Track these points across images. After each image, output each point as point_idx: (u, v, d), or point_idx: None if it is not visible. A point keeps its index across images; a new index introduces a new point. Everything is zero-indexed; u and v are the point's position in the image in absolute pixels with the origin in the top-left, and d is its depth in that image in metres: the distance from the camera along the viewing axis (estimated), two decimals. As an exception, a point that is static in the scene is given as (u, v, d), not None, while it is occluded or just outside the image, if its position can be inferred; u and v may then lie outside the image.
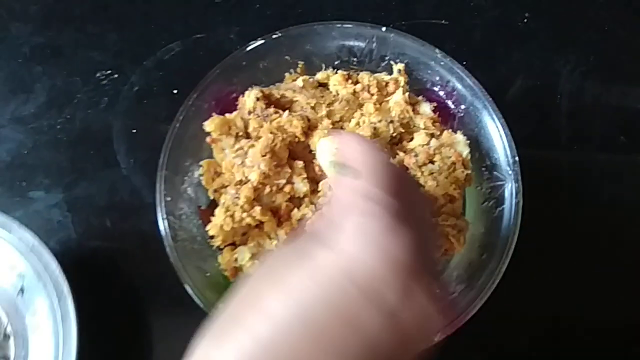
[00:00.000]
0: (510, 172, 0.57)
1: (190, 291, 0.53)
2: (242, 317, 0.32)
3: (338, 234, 0.33)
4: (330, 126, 0.60)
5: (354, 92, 0.62)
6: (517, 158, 0.57)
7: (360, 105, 0.62)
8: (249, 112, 0.61)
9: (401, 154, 0.59)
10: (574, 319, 0.65)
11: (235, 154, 0.58)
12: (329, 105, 0.61)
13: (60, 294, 0.56)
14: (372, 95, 0.62)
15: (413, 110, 0.62)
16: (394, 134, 0.60)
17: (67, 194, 0.69)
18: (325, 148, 0.58)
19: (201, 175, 0.59)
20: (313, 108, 0.60)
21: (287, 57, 0.64)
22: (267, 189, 0.57)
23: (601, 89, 0.75)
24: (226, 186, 0.59)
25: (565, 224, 0.68)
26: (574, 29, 0.78)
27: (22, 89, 0.74)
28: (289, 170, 0.58)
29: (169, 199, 0.56)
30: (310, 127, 0.60)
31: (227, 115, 0.61)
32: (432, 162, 0.58)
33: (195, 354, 0.32)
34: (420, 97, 0.64)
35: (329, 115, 0.61)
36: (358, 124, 0.60)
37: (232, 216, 0.55)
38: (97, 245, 0.67)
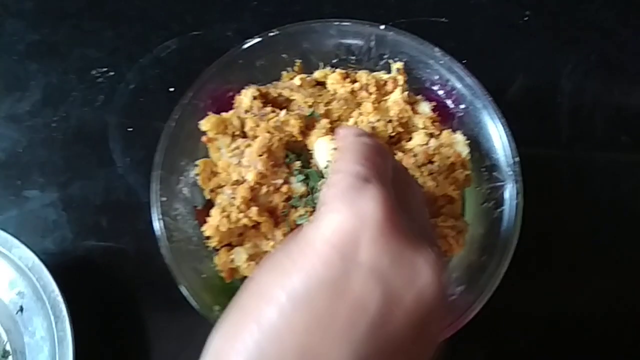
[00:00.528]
0: (510, 172, 0.57)
1: (185, 293, 0.53)
2: (249, 308, 0.33)
3: (318, 212, 0.34)
4: (328, 125, 0.59)
5: (352, 91, 0.62)
6: (517, 159, 0.57)
7: (359, 105, 0.61)
8: (246, 111, 0.60)
9: (400, 154, 0.58)
10: (575, 319, 0.64)
11: (231, 154, 0.57)
12: (327, 104, 0.61)
13: (58, 316, 0.56)
14: (371, 94, 0.61)
15: (412, 109, 0.61)
16: (393, 134, 0.60)
17: (62, 192, 0.68)
18: (323, 148, 0.58)
19: (197, 175, 0.58)
20: (310, 107, 0.60)
21: (284, 55, 0.63)
22: (264, 189, 0.56)
23: (602, 88, 0.74)
24: (222, 186, 0.58)
25: (566, 224, 0.68)
26: (574, 27, 0.77)
27: (17, 87, 0.73)
28: (286, 170, 0.57)
29: (164, 199, 0.56)
30: (307, 127, 0.59)
31: (223, 114, 0.60)
32: (431, 162, 0.58)
33: (209, 351, 0.33)
34: (419, 96, 0.63)
35: (326, 114, 0.60)
36: (356, 123, 0.60)
37: (228, 217, 0.54)
38: (92, 245, 0.66)
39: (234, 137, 0.59)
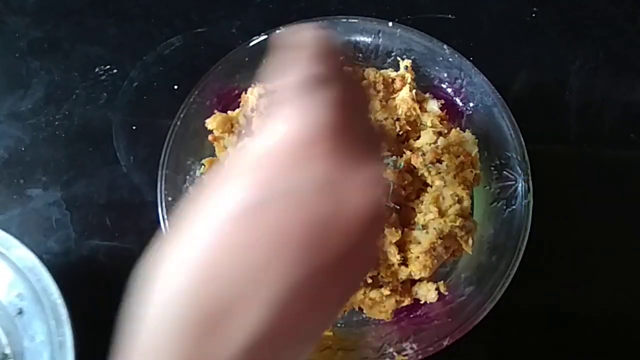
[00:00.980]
0: (520, 171, 0.56)
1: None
2: (188, 224, 0.30)
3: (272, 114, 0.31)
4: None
5: (360, 89, 0.61)
6: (527, 157, 0.56)
7: (366, 102, 0.61)
8: (252, 110, 0.59)
9: (408, 152, 0.58)
10: (584, 318, 0.64)
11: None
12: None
13: (58, 320, 0.54)
14: (378, 92, 0.60)
15: (420, 107, 0.60)
16: (401, 132, 0.59)
17: (65, 191, 0.68)
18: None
19: (203, 174, 0.58)
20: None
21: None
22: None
23: (610, 85, 0.74)
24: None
25: (573, 221, 0.67)
26: (582, 24, 0.76)
27: (19, 84, 0.72)
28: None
29: (170, 198, 0.55)
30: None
31: (229, 112, 0.59)
32: (439, 161, 0.57)
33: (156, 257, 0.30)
34: (427, 94, 0.62)
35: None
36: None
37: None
38: (96, 244, 0.66)
39: (240, 135, 0.58)
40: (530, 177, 0.56)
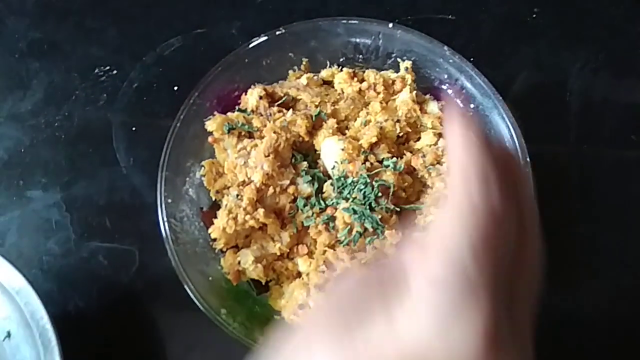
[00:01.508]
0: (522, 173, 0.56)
1: (192, 296, 0.52)
2: None
3: (403, 295, 0.27)
4: (335, 125, 0.58)
5: (360, 91, 0.61)
6: (528, 159, 0.56)
7: (366, 104, 0.61)
8: (252, 111, 0.59)
9: (408, 154, 0.57)
10: (587, 320, 0.64)
11: (237, 154, 0.57)
12: (334, 103, 0.60)
13: (47, 347, 0.50)
14: (378, 93, 0.60)
15: (420, 109, 0.60)
16: (401, 134, 0.59)
17: (65, 193, 0.67)
18: (330, 148, 0.57)
19: (203, 175, 0.58)
20: (317, 106, 0.59)
21: (290, 54, 0.63)
22: (271, 190, 0.56)
23: (611, 86, 0.73)
24: (228, 187, 0.57)
25: (574, 222, 0.67)
26: (583, 25, 0.76)
27: (19, 86, 0.72)
28: (293, 171, 0.57)
29: (170, 200, 0.55)
30: (314, 127, 0.59)
31: (229, 114, 0.59)
32: (440, 163, 0.57)
33: None
34: (427, 96, 0.62)
35: (333, 114, 0.59)
36: (364, 123, 0.59)
37: (234, 218, 0.54)
38: (96, 246, 0.65)
39: (240, 137, 0.58)
40: (532, 180, 0.56)
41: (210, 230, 0.55)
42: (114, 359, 0.62)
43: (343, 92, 0.61)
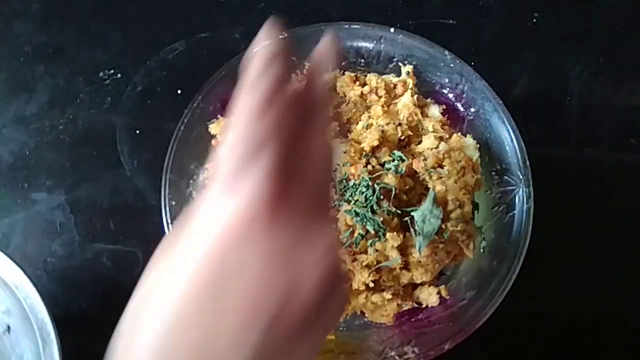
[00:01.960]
0: (521, 177, 0.57)
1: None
2: (145, 304, 0.30)
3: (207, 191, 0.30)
4: (338, 128, 0.59)
5: (362, 94, 0.62)
6: (528, 162, 0.57)
7: (368, 108, 0.61)
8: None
9: (409, 157, 0.58)
10: (587, 323, 0.64)
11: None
12: (336, 107, 0.61)
13: (45, 340, 0.51)
14: (380, 97, 0.61)
15: (422, 112, 0.61)
16: (402, 137, 0.60)
17: (69, 195, 0.68)
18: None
19: (207, 178, 0.58)
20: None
21: (293, 58, 0.63)
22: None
23: (611, 90, 0.74)
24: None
25: (574, 226, 0.67)
26: (583, 29, 0.77)
27: (24, 89, 0.73)
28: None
29: (174, 203, 0.56)
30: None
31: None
32: (441, 166, 0.57)
33: (117, 349, 0.30)
34: (429, 100, 0.63)
35: (336, 117, 0.60)
36: (366, 126, 0.60)
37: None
38: (100, 248, 0.66)
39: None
40: (531, 182, 0.56)
41: (213, 233, 0.55)
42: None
43: (345, 96, 0.62)
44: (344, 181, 0.56)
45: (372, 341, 0.56)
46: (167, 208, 0.55)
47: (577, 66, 0.75)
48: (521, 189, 0.56)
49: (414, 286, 0.57)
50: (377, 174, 0.55)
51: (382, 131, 0.58)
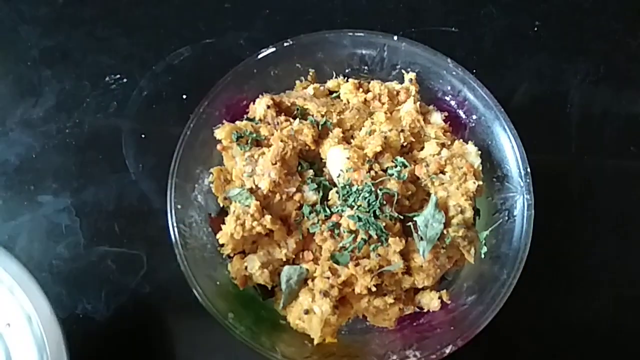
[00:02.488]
0: (522, 184, 0.57)
1: (200, 300, 0.53)
2: None
3: None
4: (341, 135, 0.60)
5: (365, 101, 0.62)
6: (529, 170, 0.57)
7: (371, 114, 0.62)
8: (260, 120, 0.60)
9: (412, 163, 0.59)
10: (587, 328, 0.65)
11: (245, 162, 0.58)
12: (340, 113, 0.61)
13: (51, 341, 0.50)
14: (383, 104, 0.62)
15: (424, 119, 0.61)
16: (405, 143, 0.60)
17: (75, 198, 0.69)
18: (336, 156, 0.59)
19: (211, 182, 0.59)
20: (323, 116, 0.60)
21: (298, 64, 0.64)
22: (277, 197, 0.57)
23: (611, 98, 0.75)
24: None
25: (574, 232, 0.68)
26: (584, 38, 0.78)
27: (31, 93, 0.74)
28: (299, 179, 0.58)
29: (179, 206, 0.56)
30: (320, 136, 0.60)
31: (237, 122, 0.60)
32: (442, 172, 0.58)
33: None
34: (431, 107, 0.64)
35: (339, 123, 0.61)
36: (368, 132, 0.60)
37: (242, 224, 0.55)
38: (105, 250, 0.67)
39: (248, 145, 0.59)
40: (531, 189, 0.57)
41: (218, 236, 0.56)
42: (121, 362, 0.63)
43: (349, 102, 0.63)
44: (347, 186, 0.56)
45: (374, 345, 0.56)
46: (173, 211, 0.55)
47: (577, 74, 0.75)
48: (522, 196, 0.57)
49: (415, 291, 0.58)
50: (379, 180, 0.56)
51: (385, 137, 0.59)
